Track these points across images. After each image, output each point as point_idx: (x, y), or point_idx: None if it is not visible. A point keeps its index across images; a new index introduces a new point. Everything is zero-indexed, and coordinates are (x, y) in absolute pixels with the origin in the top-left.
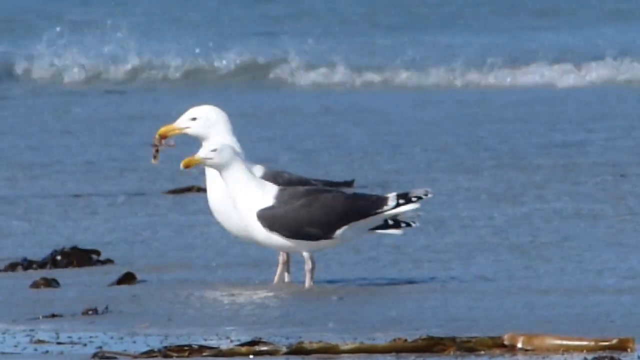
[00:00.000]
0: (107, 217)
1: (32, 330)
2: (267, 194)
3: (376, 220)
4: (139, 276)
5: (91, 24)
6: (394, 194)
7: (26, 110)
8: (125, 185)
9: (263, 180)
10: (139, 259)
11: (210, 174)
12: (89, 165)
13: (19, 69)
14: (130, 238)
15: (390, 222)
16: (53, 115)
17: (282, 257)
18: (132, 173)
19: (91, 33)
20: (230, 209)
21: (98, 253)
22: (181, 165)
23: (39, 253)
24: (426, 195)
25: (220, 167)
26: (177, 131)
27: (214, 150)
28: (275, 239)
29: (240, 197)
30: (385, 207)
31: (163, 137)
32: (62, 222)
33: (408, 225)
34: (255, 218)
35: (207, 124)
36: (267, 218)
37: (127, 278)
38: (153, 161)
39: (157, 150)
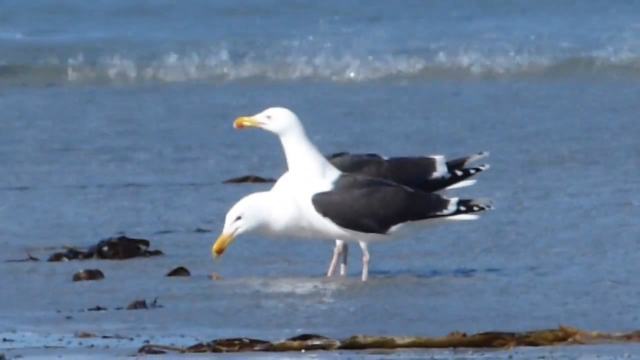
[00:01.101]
0: (161, 207)
1: (77, 323)
2: (327, 178)
3: (433, 222)
4: (190, 270)
5: None
6: (456, 199)
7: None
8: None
9: (326, 162)
10: (194, 250)
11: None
12: (149, 154)
13: None
14: (185, 228)
15: (462, 207)
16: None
17: (337, 249)
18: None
19: None
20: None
21: (147, 243)
22: (234, 124)
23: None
24: (489, 206)
25: (278, 134)
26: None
27: (269, 117)
28: (329, 225)
29: (296, 175)
30: (445, 211)
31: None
32: (117, 211)
33: (482, 209)
34: (309, 201)
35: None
36: (323, 203)
37: (178, 272)
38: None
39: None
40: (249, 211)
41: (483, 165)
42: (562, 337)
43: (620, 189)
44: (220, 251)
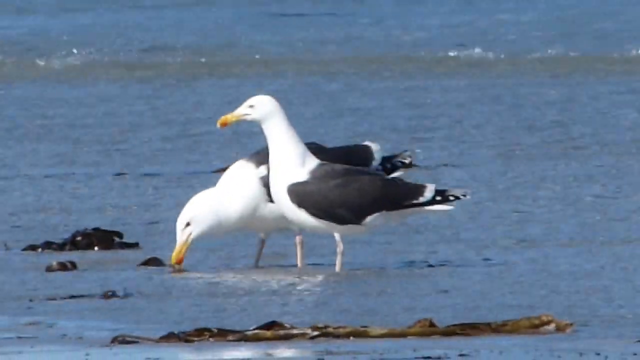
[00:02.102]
0: (148, 198)
1: (48, 313)
2: (305, 167)
3: (408, 212)
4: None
5: None
6: (433, 186)
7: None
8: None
9: (306, 150)
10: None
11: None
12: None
13: None
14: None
15: (438, 197)
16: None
17: (298, 238)
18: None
19: None
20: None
21: (120, 235)
22: (217, 124)
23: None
24: (465, 196)
25: (260, 122)
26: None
27: (252, 106)
28: (303, 216)
29: (274, 164)
30: (421, 199)
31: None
32: (101, 200)
33: (457, 198)
34: (285, 191)
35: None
36: (297, 193)
37: (151, 262)
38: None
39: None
40: (196, 215)
41: (406, 159)
42: (538, 324)
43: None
44: (179, 261)
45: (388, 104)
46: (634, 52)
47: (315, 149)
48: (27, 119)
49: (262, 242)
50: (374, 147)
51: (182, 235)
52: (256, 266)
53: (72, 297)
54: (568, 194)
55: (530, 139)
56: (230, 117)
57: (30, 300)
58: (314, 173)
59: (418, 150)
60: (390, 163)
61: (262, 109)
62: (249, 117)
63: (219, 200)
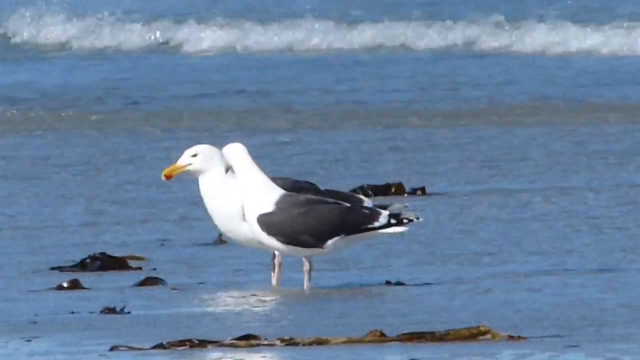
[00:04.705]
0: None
1: (52, 329)
2: (270, 199)
3: (366, 235)
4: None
5: None
6: (387, 212)
7: None
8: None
9: (271, 183)
10: (165, 264)
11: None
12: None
13: None
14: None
15: (393, 220)
16: None
17: (277, 259)
18: None
19: None
20: (237, 217)
21: (125, 261)
22: (162, 176)
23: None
24: (417, 218)
25: (203, 172)
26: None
27: (194, 156)
28: (274, 242)
29: (247, 199)
30: (376, 223)
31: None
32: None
33: (411, 221)
34: (255, 220)
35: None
36: (266, 223)
37: (147, 282)
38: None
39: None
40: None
41: (401, 213)
42: (477, 333)
43: None
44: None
45: None
46: None
47: (307, 187)
48: None
49: (279, 264)
50: (367, 201)
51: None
52: (276, 285)
53: (73, 312)
54: None
55: None
56: (173, 168)
57: (36, 315)
58: (279, 204)
59: None
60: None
61: (203, 158)
62: (190, 167)
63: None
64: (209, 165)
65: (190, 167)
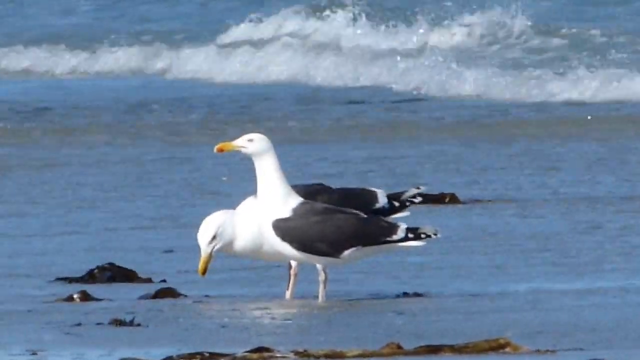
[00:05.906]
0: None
1: (62, 335)
2: (288, 205)
3: (383, 248)
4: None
5: None
6: (405, 226)
7: None
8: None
9: (290, 189)
10: (178, 275)
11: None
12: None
13: None
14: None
15: (410, 235)
16: None
17: (293, 270)
18: None
19: None
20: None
21: (134, 273)
22: (215, 149)
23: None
24: (435, 234)
25: (253, 156)
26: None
27: (250, 140)
28: (287, 248)
29: (262, 199)
30: (394, 237)
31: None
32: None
33: (428, 237)
34: (270, 226)
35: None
36: (282, 229)
37: (160, 294)
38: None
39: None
40: (221, 229)
41: (416, 198)
42: (497, 346)
43: None
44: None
45: None
46: None
47: (320, 189)
48: None
49: (295, 274)
50: (380, 193)
51: (208, 248)
52: (290, 296)
53: (79, 324)
54: None
55: None
56: (228, 145)
57: (42, 328)
58: (296, 211)
59: None
60: (398, 201)
61: (258, 145)
62: (244, 150)
63: (238, 222)
64: (260, 153)
65: (243, 150)
